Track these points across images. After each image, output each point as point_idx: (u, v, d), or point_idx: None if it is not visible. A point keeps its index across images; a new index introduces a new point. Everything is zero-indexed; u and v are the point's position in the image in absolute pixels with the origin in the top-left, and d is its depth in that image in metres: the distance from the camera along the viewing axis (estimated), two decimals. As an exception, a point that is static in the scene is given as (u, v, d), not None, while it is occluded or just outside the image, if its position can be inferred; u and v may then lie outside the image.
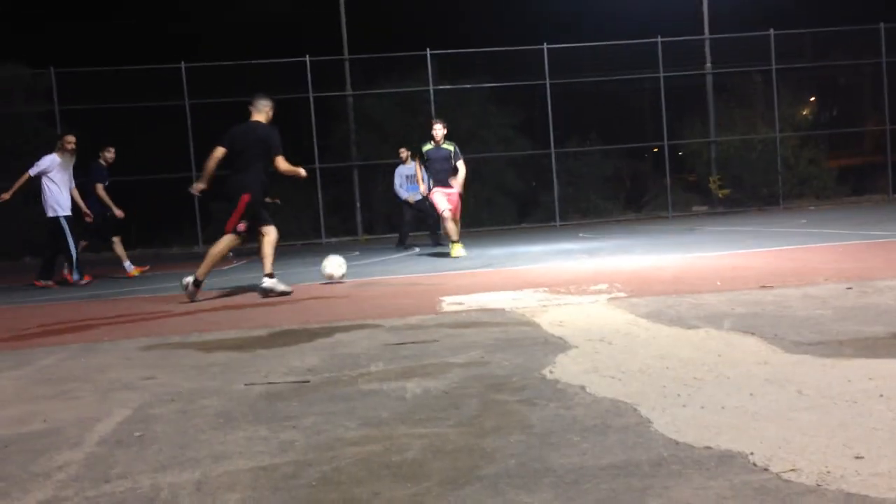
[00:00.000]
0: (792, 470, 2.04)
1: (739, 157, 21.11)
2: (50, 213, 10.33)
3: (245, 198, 7.33)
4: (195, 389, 3.50)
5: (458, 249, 10.65)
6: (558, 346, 3.99)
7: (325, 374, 3.63)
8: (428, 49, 19.07)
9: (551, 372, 3.41)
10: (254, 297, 7.38)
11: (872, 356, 3.30)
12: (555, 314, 5.01)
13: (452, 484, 2.13)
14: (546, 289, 6.33)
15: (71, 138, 10.47)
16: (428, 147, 10.87)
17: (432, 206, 11.28)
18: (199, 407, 3.18)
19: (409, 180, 13.52)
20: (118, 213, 11.30)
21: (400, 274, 8.77)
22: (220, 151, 7.39)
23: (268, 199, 7.91)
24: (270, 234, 7.52)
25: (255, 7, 27.28)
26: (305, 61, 19.09)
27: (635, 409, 2.74)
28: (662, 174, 20.91)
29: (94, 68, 18.26)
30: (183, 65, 18.76)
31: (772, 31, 20.19)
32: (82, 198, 10.89)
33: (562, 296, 5.83)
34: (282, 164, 7.47)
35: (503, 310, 5.31)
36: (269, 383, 3.52)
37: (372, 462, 2.35)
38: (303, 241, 18.80)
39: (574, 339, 4.12)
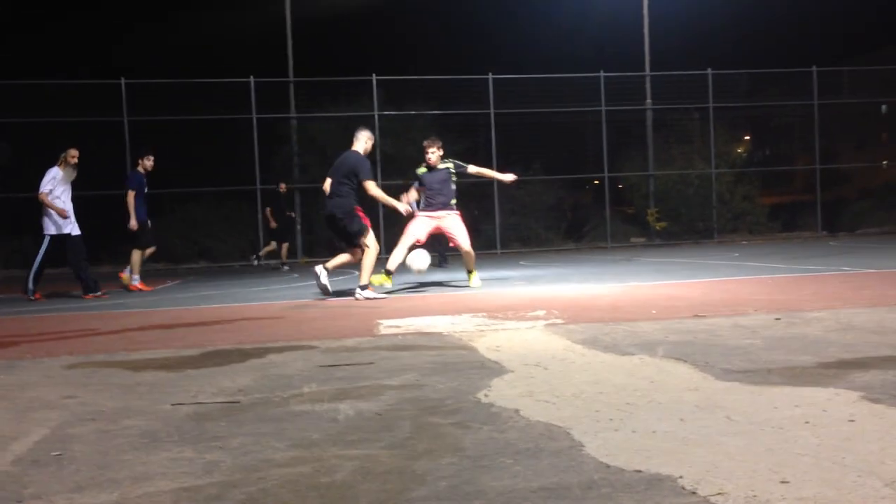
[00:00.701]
0: (719, 493, 2.05)
1: (677, 191, 21.57)
2: (47, 230, 10.11)
3: (358, 211, 8.38)
4: (119, 409, 3.39)
5: (473, 280, 9.47)
6: (494, 370, 3.98)
7: (256, 395, 3.55)
8: (374, 74, 19.12)
9: (486, 395, 3.40)
10: (186, 315, 7.23)
11: (799, 384, 3.36)
12: (492, 339, 5.00)
13: (381, 506, 2.09)
14: (484, 314, 6.33)
15: (75, 152, 10.28)
16: (422, 170, 9.75)
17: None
18: (122, 427, 3.07)
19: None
20: (132, 224, 11.09)
21: (337, 296, 8.69)
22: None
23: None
24: (372, 249, 8.27)
25: (202, 28, 27.09)
26: (250, 82, 18.95)
27: (568, 433, 2.73)
28: (603, 205, 21.23)
29: (29, 81, 17.84)
30: (123, 81, 18.43)
31: (709, 71, 20.77)
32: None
33: (499, 321, 5.84)
34: (371, 189, 8.38)
35: (441, 334, 5.29)
36: (198, 403, 3.43)
37: (300, 484, 2.29)
38: (241, 262, 18.53)
39: (510, 364, 4.12)
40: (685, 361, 3.99)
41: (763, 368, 3.74)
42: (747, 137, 26.42)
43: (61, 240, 10.17)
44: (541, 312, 6.26)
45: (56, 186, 10.04)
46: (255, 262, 16.79)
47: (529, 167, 20.82)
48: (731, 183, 21.81)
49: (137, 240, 11.28)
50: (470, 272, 9.48)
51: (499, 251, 19.44)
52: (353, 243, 8.42)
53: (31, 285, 10.15)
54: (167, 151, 17.35)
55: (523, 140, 20.13)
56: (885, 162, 24.73)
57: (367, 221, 8.47)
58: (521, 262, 14.86)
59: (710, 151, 21.20)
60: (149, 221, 11.43)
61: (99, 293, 10.21)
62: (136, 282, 11.34)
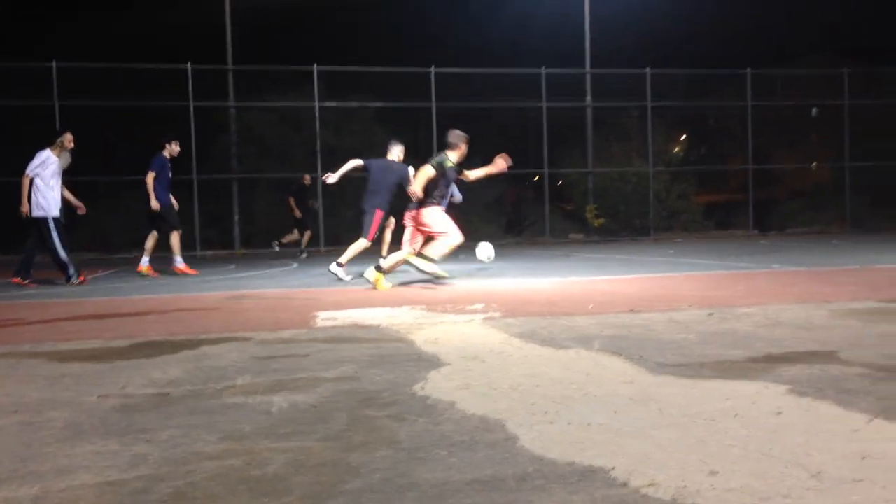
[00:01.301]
0: (650, 485, 2.07)
1: (615, 188, 21.86)
2: (36, 213, 9.77)
3: (379, 213, 9.60)
4: (43, 400, 3.28)
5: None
6: (431, 363, 3.97)
7: (188, 387, 3.47)
8: (315, 65, 18.90)
9: (423, 388, 3.38)
10: (119, 306, 7.05)
11: (730, 378, 3.43)
12: (430, 332, 4.99)
13: (314, 499, 2.06)
14: (423, 307, 6.31)
15: (71, 136, 10.04)
16: (450, 164, 9.11)
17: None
18: (46, 419, 2.97)
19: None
20: (154, 204, 11.12)
21: (275, 288, 8.57)
22: (358, 163, 10.02)
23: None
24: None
25: (139, 15, 26.44)
26: (187, 69, 18.55)
27: (504, 426, 2.73)
28: (543, 201, 21.40)
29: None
30: (55, 64, 17.86)
31: (648, 70, 21.08)
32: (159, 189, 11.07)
33: (438, 314, 5.83)
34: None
35: (378, 326, 5.26)
36: (126, 395, 3.34)
37: (230, 477, 2.24)
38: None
39: (447, 357, 4.11)
40: (620, 355, 4.04)
41: (696, 362, 3.80)
42: (684, 137, 26.91)
43: (58, 220, 9.91)
44: (479, 306, 6.27)
45: (45, 170, 9.73)
46: (276, 248, 16.81)
47: (470, 162, 20.87)
48: (667, 181, 22.20)
49: (165, 222, 11.27)
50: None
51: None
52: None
53: (70, 270, 9.89)
54: (100, 138, 16.91)
55: (466, 133, 20.14)
56: (814, 163, 25.46)
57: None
58: (461, 257, 14.86)
59: (649, 150, 21.54)
60: (174, 203, 11.51)
61: (28, 281, 9.92)
62: (181, 264, 11.50)
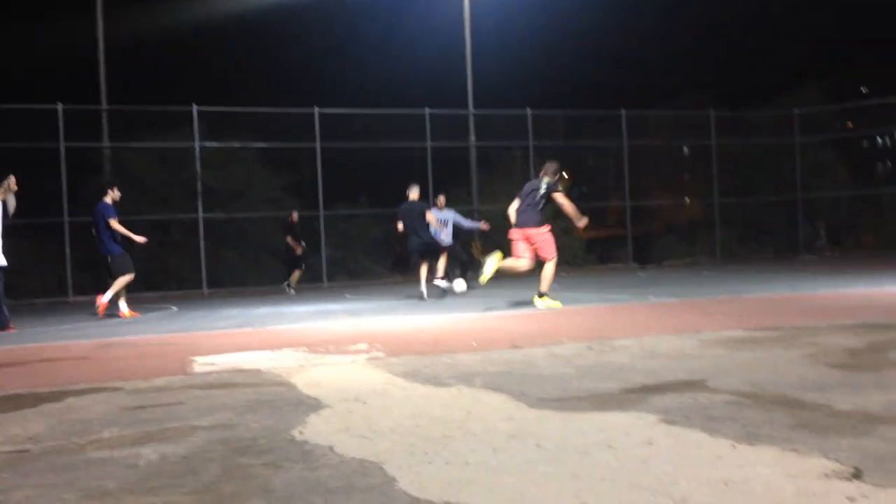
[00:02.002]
0: (524, 521, 2.08)
1: (500, 226, 22.21)
2: None
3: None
4: None
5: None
6: (311, 406, 3.89)
7: (49, 443, 3.28)
8: (195, 105, 18.52)
9: (301, 433, 3.30)
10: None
11: (605, 410, 3.50)
12: (311, 374, 4.90)
13: (178, 556, 1.96)
14: (305, 348, 6.20)
15: (14, 179, 9.56)
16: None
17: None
18: None
19: (442, 224, 13.70)
20: (140, 239, 11.27)
21: (151, 334, 8.26)
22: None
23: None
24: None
25: (7, 51, 25.29)
26: (57, 109, 17.83)
27: (382, 468, 2.69)
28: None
29: None
30: None
31: (528, 111, 21.68)
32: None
33: (321, 356, 5.74)
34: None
35: (258, 370, 5.12)
36: (-21, 454, 3.12)
37: (89, 537, 2.12)
38: (47, 299, 17.27)
39: (329, 399, 4.04)
40: (502, 391, 4.06)
41: (574, 396, 3.87)
42: (565, 175, 27.71)
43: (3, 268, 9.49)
44: (363, 346, 6.21)
45: None
46: (291, 292, 16.77)
47: (356, 201, 20.84)
48: (550, 217, 22.73)
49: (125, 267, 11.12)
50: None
51: (325, 284, 19.24)
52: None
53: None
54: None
55: (350, 174, 20.15)
56: (686, 199, 26.66)
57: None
58: (347, 295, 14.77)
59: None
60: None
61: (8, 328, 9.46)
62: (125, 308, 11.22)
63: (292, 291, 16.90)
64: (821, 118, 24.56)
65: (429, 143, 20.62)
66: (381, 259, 21.51)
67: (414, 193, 12.77)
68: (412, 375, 4.69)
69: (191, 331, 8.44)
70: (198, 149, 18.54)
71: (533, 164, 22.02)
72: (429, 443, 3.04)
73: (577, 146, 24.05)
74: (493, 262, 9.42)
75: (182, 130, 18.73)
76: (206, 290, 18.10)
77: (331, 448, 3.01)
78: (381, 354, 5.68)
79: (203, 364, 5.53)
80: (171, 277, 18.38)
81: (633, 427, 3.15)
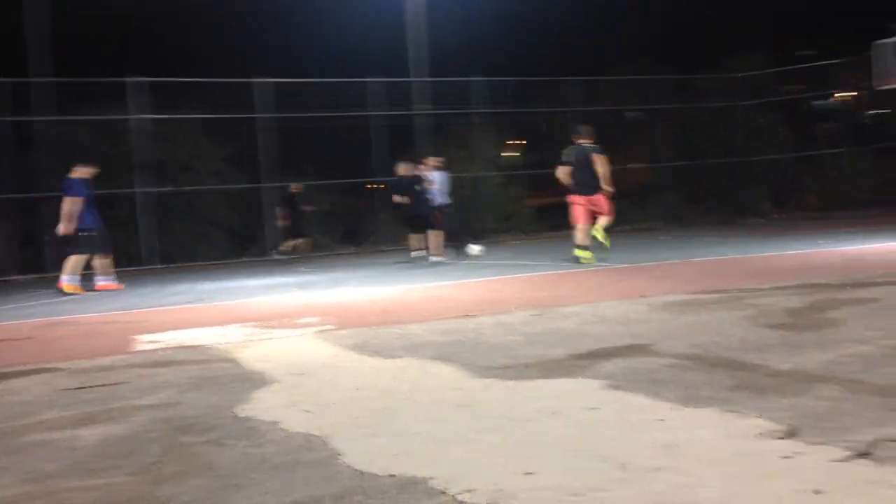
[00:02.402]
0: (468, 491, 2.09)
1: (450, 194, 22.19)
2: None
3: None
4: None
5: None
6: (258, 381, 3.85)
7: (-14, 427, 3.20)
8: (133, 76, 18.02)
9: (246, 409, 3.27)
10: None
11: (552, 377, 3.53)
12: (259, 349, 4.86)
13: (116, 539, 1.93)
14: (254, 323, 6.14)
15: None
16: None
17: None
18: None
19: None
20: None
21: (96, 312, 8.09)
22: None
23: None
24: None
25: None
26: (-7, 81, 17.21)
27: (327, 443, 2.68)
28: (380, 209, 21.40)
29: None
30: None
31: (478, 78, 21.57)
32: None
33: (269, 330, 5.69)
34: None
35: (204, 346, 5.06)
36: (-88, 441, 3.03)
37: (24, 523, 2.07)
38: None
39: (276, 374, 4.01)
40: (450, 361, 4.07)
41: (521, 363, 3.89)
42: (515, 142, 27.74)
43: None
44: (312, 319, 6.17)
45: None
46: (275, 256, 17.26)
47: (303, 173, 20.58)
48: (500, 185, 22.77)
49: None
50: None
51: (277, 257, 19.05)
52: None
53: None
54: None
55: (295, 145, 19.86)
56: (628, 165, 26.91)
57: None
58: (301, 269, 14.65)
59: (481, 156, 22.02)
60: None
61: None
62: (74, 282, 10.97)
63: (275, 255, 17.42)
64: (763, 81, 24.89)
65: (372, 112, 20.41)
66: (332, 231, 21.35)
67: (402, 169, 13.67)
68: (361, 347, 4.67)
69: (137, 308, 8.30)
70: (138, 120, 18.09)
71: (480, 131, 22.01)
72: (376, 415, 3.04)
73: (528, 112, 24.05)
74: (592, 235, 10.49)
75: (122, 102, 18.24)
76: (153, 265, 17.78)
77: (276, 423, 2.99)
78: (330, 327, 5.65)
79: (148, 342, 5.44)
80: (117, 254, 18.02)
81: (580, 393, 3.18)
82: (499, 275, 9.67)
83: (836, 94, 24.75)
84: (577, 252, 10.41)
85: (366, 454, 2.51)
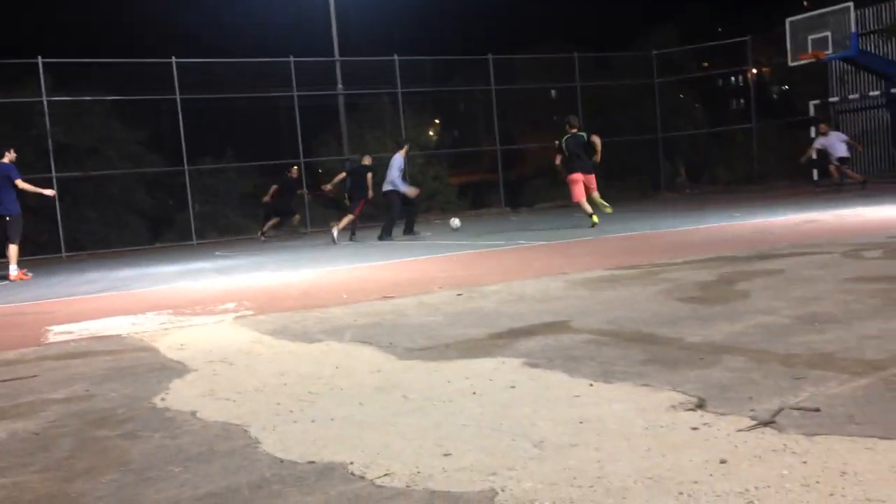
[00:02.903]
0: (386, 475, 2.10)
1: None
2: None
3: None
4: None
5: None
6: (175, 371, 3.78)
7: None
8: (40, 57, 17.33)
9: (163, 400, 3.21)
10: None
11: (471, 356, 3.56)
12: (176, 337, 4.76)
13: (24, 540, 1.87)
14: (171, 311, 6.01)
15: None
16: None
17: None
18: None
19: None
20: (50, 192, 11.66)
21: (3, 303, 7.79)
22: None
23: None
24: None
25: None
26: None
27: (245, 431, 2.65)
28: (301, 191, 21.13)
29: None
30: None
31: (396, 57, 21.46)
32: None
33: (186, 317, 5.58)
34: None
35: (119, 336, 4.93)
36: None
37: (-75, 528, 1.99)
38: None
39: (193, 363, 3.94)
40: (370, 344, 4.07)
41: (442, 344, 3.92)
42: (436, 121, 27.72)
43: None
44: (231, 305, 6.07)
45: None
46: (263, 239, 17.34)
47: (222, 155, 20.18)
48: (422, 165, 22.77)
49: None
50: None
51: (195, 242, 18.65)
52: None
53: None
54: None
55: (214, 127, 19.43)
56: (556, 142, 27.20)
57: None
58: (217, 253, 14.37)
59: (402, 135, 21.96)
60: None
61: None
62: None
63: (262, 238, 17.52)
64: (677, 59, 25.45)
65: (295, 93, 20.11)
66: (251, 213, 20.99)
67: (367, 160, 14.69)
68: (281, 332, 4.63)
69: (48, 298, 8.02)
70: (45, 104, 17.41)
71: (402, 111, 21.91)
72: (295, 401, 3.02)
73: (446, 90, 24.06)
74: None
75: (28, 85, 17.51)
76: (64, 253, 17.21)
77: (193, 413, 2.94)
78: (249, 313, 5.57)
79: (59, 333, 5.28)
80: (25, 242, 17.37)
81: (498, 372, 3.22)
82: (421, 255, 9.69)
83: (747, 71, 25.43)
84: (594, 219, 12.12)
85: (285, 441, 2.49)
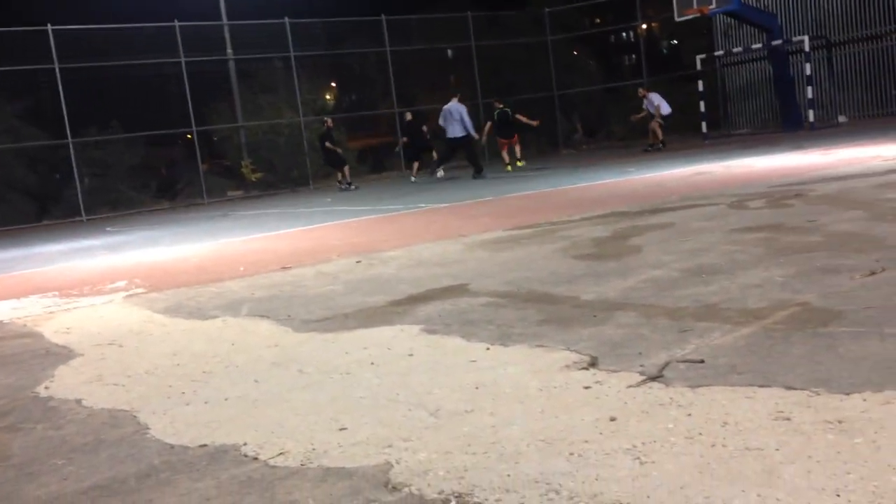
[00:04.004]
0: (280, 454, 2.06)
1: (268, 141, 21.61)
2: None
3: None
4: None
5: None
6: (61, 356, 3.62)
7: None
8: None
9: (47, 388, 3.07)
10: None
11: (370, 325, 3.54)
12: (62, 320, 4.56)
13: None
14: (56, 293, 5.75)
15: None
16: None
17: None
18: None
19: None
20: None
21: None
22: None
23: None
24: None
25: None
26: None
27: (135, 417, 2.56)
28: (196, 161, 20.52)
29: None
30: None
31: (287, 20, 20.92)
32: None
33: (74, 299, 5.34)
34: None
35: (0, 322, 4.69)
36: None
37: None
38: None
39: (80, 347, 3.78)
40: (268, 317, 3.99)
41: (340, 314, 3.87)
42: (333, 85, 27.27)
43: None
44: (122, 283, 5.85)
45: None
46: (353, 187, 17.83)
47: (107, 125, 19.33)
48: (319, 129, 22.40)
49: None
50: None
51: (84, 218, 17.89)
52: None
53: None
54: None
55: (97, 96, 18.55)
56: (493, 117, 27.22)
57: None
58: (108, 228, 13.83)
59: (297, 100, 21.52)
60: None
61: None
62: None
63: (353, 187, 17.92)
64: (569, 16, 25.72)
65: (183, 59, 19.38)
66: (144, 186, 20.27)
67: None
68: (174, 310, 4.49)
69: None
70: None
71: (296, 75, 21.45)
72: (187, 382, 2.93)
73: (340, 53, 23.69)
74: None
75: None
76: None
77: (79, 401, 2.83)
78: (141, 291, 5.38)
79: (-66, 323, 4.98)
80: None
81: (396, 340, 3.21)
82: (320, 222, 9.56)
83: (637, 27, 25.91)
84: (519, 164, 17.00)
85: (176, 425, 2.42)
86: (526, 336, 2.99)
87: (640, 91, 18.87)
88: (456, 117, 15.71)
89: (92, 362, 3.45)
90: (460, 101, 16.40)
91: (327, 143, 17.98)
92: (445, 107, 16.07)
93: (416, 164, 18.37)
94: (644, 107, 18.45)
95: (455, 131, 15.75)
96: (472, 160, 16.20)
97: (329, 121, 18.77)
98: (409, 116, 19.01)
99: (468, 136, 15.83)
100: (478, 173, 15.52)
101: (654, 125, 17.98)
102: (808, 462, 1.63)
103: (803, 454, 1.67)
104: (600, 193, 9.02)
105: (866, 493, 1.48)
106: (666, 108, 18.11)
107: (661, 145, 17.79)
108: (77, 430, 2.49)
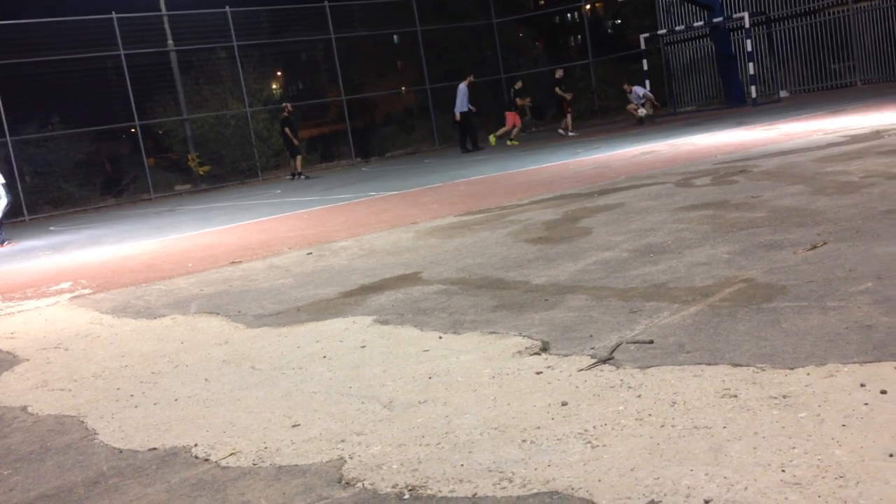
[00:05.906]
0: (232, 454, 2.03)
1: (214, 133, 21.28)
2: None
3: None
4: None
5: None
6: (5, 362, 3.54)
7: None
8: None
9: (-10, 397, 2.99)
10: None
11: (322, 318, 3.51)
12: (6, 325, 4.44)
13: None
14: (-1, 297, 5.60)
15: None
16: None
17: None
18: None
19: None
20: None
21: None
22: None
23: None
24: None
25: None
26: None
27: (82, 422, 2.51)
28: (140, 155, 20.12)
29: None
30: None
31: (228, 9, 20.58)
32: None
33: (17, 302, 5.21)
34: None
35: (-60, 331, 4.55)
36: None
37: None
38: None
39: (25, 352, 3.69)
40: (218, 314, 3.94)
41: (292, 307, 3.84)
42: (279, 74, 26.93)
43: None
44: (67, 285, 5.72)
45: None
46: (303, 177, 17.71)
47: (47, 122, 18.87)
48: (267, 120, 22.12)
49: None
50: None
51: (27, 218, 17.47)
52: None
53: None
54: None
55: (35, 93, 18.08)
56: (403, 88, 27.07)
57: None
58: (52, 228, 13.52)
59: (242, 90, 21.22)
60: None
61: None
62: None
63: (302, 177, 17.81)
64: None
65: (122, 52, 18.95)
66: (88, 183, 19.82)
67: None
68: (122, 310, 4.41)
69: None
70: None
71: (240, 65, 21.16)
72: (136, 384, 2.88)
73: (284, 41, 23.42)
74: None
75: None
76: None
77: (24, 408, 2.76)
78: (87, 291, 5.27)
79: None
80: None
81: (348, 332, 3.19)
82: (270, 214, 9.46)
83: (581, 7, 26.02)
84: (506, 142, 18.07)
85: (124, 429, 2.38)
86: (478, 323, 3.00)
87: (625, 86, 19.45)
88: (459, 96, 18.16)
89: (37, 367, 3.37)
90: (469, 83, 18.39)
91: (286, 130, 17.88)
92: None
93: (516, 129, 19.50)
94: (631, 99, 19.19)
95: (460, 107, 18.14)
96: (462, 135, 18.34)
97: (289, 106, 18.65)
98: (519, 85, 19.86)
99: (466, 112, 18.05)
100: (469, 148, 17.80)
101: (632, 108, 19.03)
102: (754, 438, 1.66)
103: (749, 431, 1.70)
104: (550, 176, 9.06)
105: (811, 467, 1.51)
106: (649, 95, 19.08)
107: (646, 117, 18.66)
108: (22, 438, 2.44)
